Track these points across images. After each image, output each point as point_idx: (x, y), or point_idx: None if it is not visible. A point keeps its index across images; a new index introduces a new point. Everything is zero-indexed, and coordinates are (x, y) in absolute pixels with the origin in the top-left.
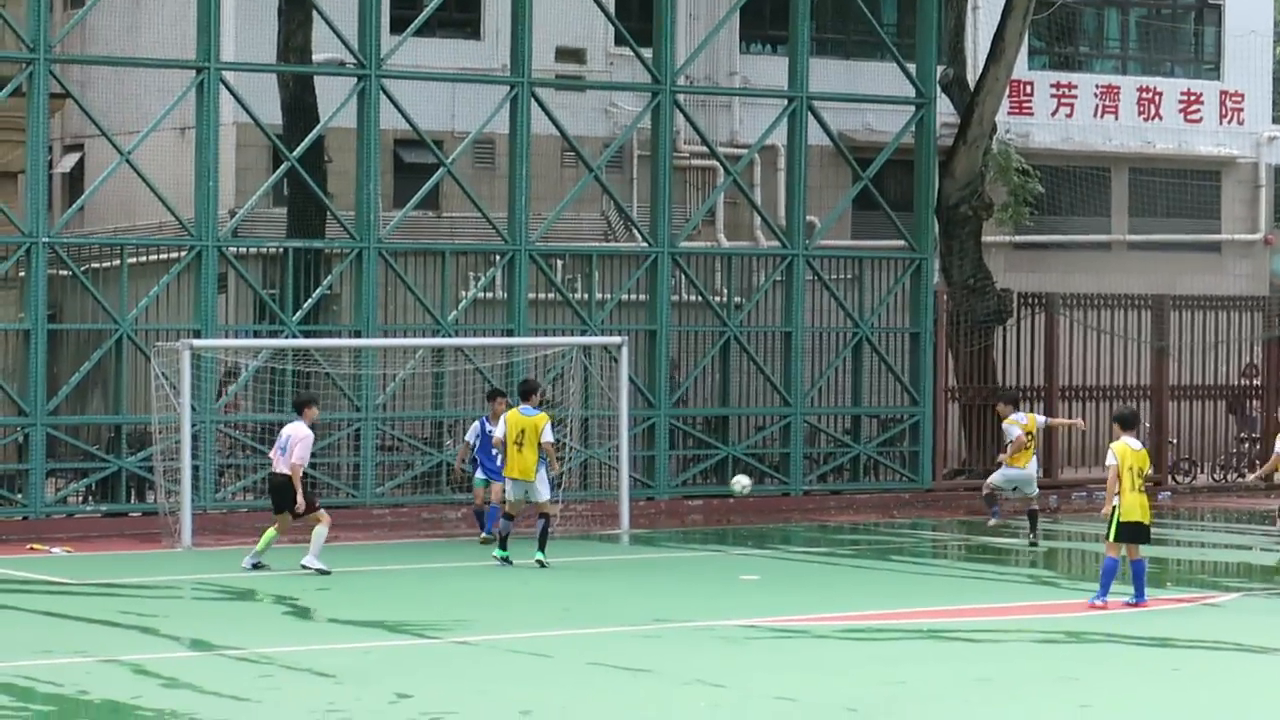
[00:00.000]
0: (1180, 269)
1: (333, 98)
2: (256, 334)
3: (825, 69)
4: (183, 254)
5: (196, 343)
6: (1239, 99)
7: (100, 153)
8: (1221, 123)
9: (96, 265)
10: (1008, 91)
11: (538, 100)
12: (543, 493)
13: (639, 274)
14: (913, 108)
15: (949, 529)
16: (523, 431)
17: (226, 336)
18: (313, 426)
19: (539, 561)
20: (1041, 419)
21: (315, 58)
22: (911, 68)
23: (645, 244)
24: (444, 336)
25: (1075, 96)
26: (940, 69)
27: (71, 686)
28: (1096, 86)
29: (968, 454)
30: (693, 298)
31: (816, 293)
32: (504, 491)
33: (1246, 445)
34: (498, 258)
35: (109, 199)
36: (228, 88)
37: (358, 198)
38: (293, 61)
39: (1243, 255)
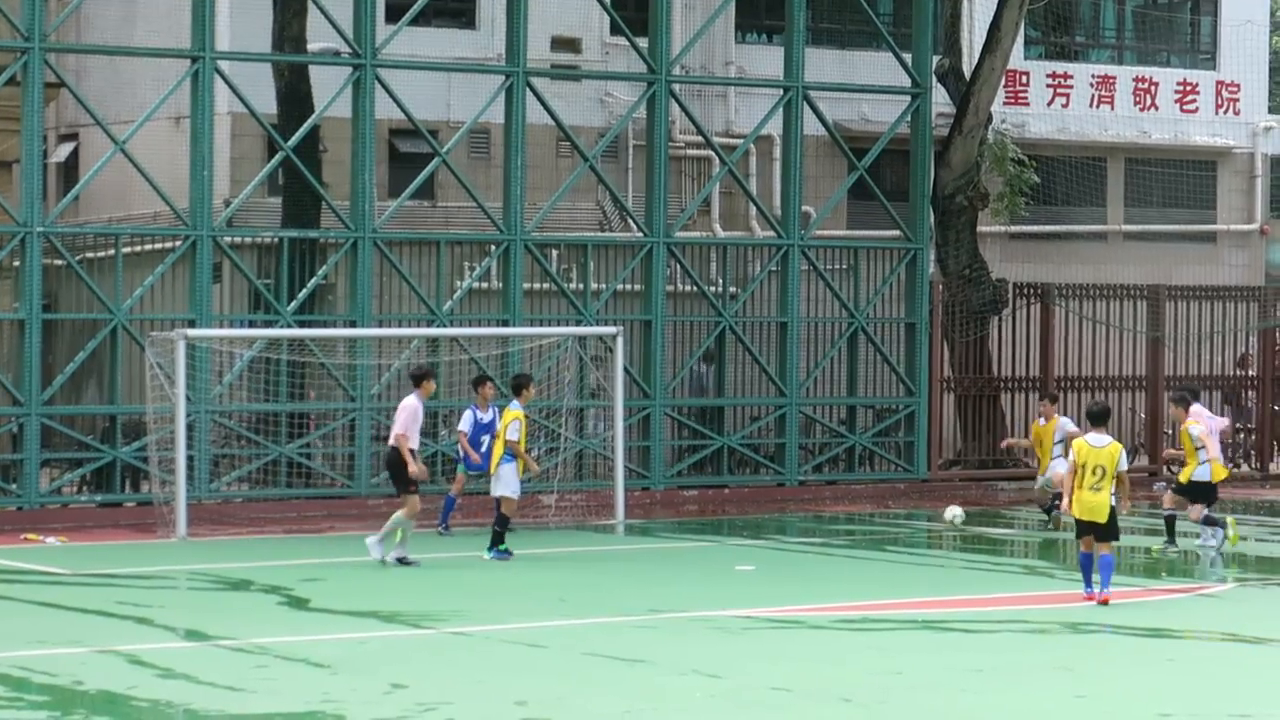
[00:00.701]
0: (1176, 259)
1: (328, 87)
2: (252, 324)
3: (821, 59)
4: (178, 244)
5: (191, 332)
6: (1235, 89)
7: (95, 142)
8: (1217, 113)
9: (91, 255)
10: (1003, 81)
11: (533, 90)
12: (498, 487)
13: (634, 264)
14: (908, 98)
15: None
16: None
17: (221, 326)
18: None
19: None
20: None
21: (310, 47)
22: (907, 57)
23: (640, 234)
24: (439, 326)
25: (1071, 86)
26: (936, 59)
27: (66, 677)
28: (1092, 76)
29: (963, 444)
30: (688, 288)
31: (812, 283)
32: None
33: (1242, 436)
34: (493, 247)
35: (104, 188)
36: (223, 77)
37: (353, 187)
38: (288, 51)
39: (1239, 245)
